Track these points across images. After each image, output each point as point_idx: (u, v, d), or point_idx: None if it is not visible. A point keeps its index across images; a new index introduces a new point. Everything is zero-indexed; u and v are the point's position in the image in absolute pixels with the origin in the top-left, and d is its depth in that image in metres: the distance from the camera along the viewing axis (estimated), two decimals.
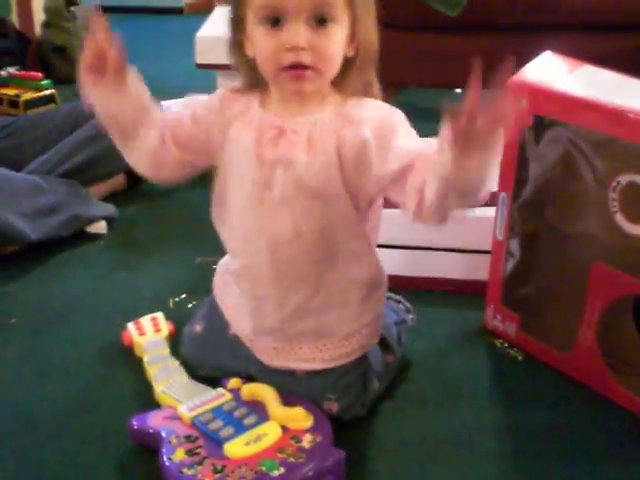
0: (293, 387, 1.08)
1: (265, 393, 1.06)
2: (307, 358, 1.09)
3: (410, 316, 1.28)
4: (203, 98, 1.08)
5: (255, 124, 1.01)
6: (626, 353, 1.19)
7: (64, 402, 1.16)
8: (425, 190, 0.91)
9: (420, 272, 1.46)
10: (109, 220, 1.77)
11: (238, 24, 0.99)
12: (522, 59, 1.24)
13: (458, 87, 2.01)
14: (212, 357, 1.17)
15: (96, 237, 1.73)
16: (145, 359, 1.21)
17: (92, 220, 1.74)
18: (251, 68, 1.00)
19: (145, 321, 1.30)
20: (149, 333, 1.27)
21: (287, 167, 0.99)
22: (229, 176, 1.06)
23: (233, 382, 1.11)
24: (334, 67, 0.97)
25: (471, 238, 1.43)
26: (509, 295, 1.30)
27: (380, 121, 0.98)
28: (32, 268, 1.59)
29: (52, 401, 1.16)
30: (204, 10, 4.11)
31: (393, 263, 1.43)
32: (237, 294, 1.13)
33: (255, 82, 1.02)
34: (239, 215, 1.06)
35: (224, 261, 1.20)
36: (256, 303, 1.09)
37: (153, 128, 1.04)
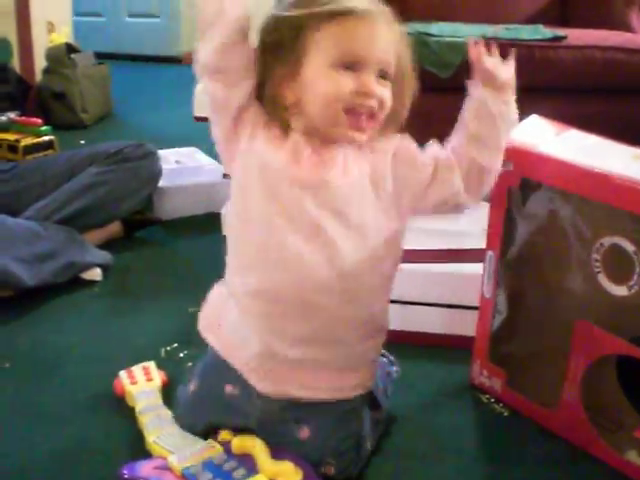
0: (295, 447, 1.08)
1: (255, 446, 1.07)
2: (308, 385, 1.08)
3: (394, 368, 1.28)
4: None
5: (289, 145, 1.04)
6: (610, 410, 1.21)
7: (55, 450, 1.16)
8: (466, 152, 1.07)
9: (408, 326, 1.48)
10: (104, 267, 1.79)
11: (277, 70, 1.03)
12: None
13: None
14: (206, 415, 1.14)
15: (91, 284, 1.75)
16: (137, 408, 1.21)
17: (87, 267, 1.76)
18: (281, 114, 1.05)
19: (137, 370, 1.30)
20: (141, 382, 1.27)
21: (325, 191, 1.03)
22: (252, 191, 1.05)
23: (223, 434, 1.11)
24: (384, 114, 1.05)
25: (458, 294, 1.45)
26: (495, 351, 1.32)
27: (398, 147, 1.08)
28: (26, 313, 1.60)
29: (43, 449, 1.16)
30: None
31: None
32: (240, 318, 1.10)
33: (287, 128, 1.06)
34: (264, 233, 1.05)
35: (217, 292, 1.18)
36: (267, 324, 1.07)
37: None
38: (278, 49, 1.03)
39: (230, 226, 1.11)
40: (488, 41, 1.07)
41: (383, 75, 1.03)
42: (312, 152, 1.04)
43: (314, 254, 1.02)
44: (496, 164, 1.09)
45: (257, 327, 1.08)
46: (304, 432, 1.08)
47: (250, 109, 1.05)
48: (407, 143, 1.10)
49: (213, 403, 1.15)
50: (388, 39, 1.03)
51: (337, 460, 1.08)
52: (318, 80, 1.01)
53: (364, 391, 1.14)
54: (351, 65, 1.00)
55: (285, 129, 1.05)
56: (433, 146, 1.11)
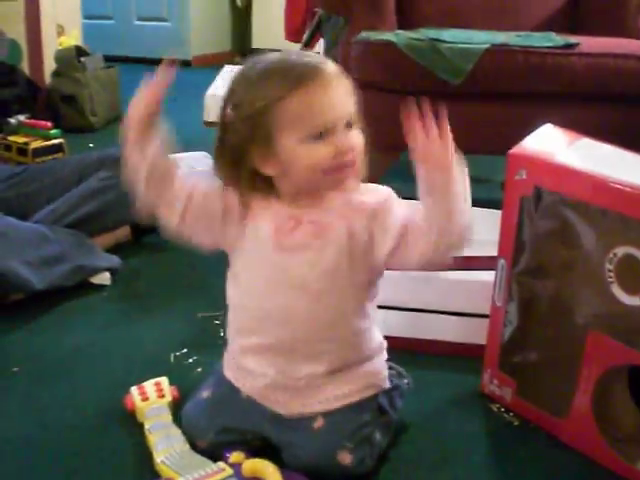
0: (310, 439, 1.11)
1: (266, 469, 1.05)
2: (323, 400, 1.13)
3: (405, 380, 1.28)
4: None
5: (273, 217, 1.10)
6: (620, 421, 1.20)
7: (59, 460, 1.15)
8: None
9: (418, 334, 1.48)
10: (113, 271, 1.79)
11: (249, 152, 1.05)
12: (524, 128, 1.29)
13: (461, 152, 2.05)
14: (219, 419, 1.15)
15: (99, 288, 1.75)
16: (147, 426, 1.19)
17: (96, 271, 1.76)
18: (263, 183, 1.09)
19: (149, 386, 1.28)
20: (152, 398, 1.25)
21: (303, 251, 1.08)
22: (245, 261, 1.13)
23: (235, 456, 1.09)
24: (360, 160, 1.08)
25: (469, 302, 1.45)
26: (506, 360, 1.32)
27: (380, 205, 1.09)
28: (35, 317, 1.60)
29: (46, 459, 1.16)
30: (212, 63, 4.18)
31: (392, 324, 1.45)
32: (248, 361, 1.16)
33: (253, 192, 1.10)
34: (257, 296, 1.13)
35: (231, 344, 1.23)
36: (276, 369, 1.14)
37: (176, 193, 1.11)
38: (248, 136, 1.05)
39: (229, 290, 1.18)
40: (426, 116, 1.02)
41: (349, 124, 1.05)
42: (294, 222, 1.09)
43: (299, 306, 1.10)
44: (458, 229, 1.06)
45: (266, 372, 1.14)
46: (319, 422, 1.12)
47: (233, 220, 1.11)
48: (387, 205, 1.10)
49: (227, 407, 1.16)
50: (346, 93, 1.06)
51: (354, 446, 1.09)
52: (295, 156, 1.04)
53: (378, 390, 1.18)
54: (322, 133, 1.03)
55: (268, 195, 1.10)
56: (406, 205, 1.10)
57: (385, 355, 1.22)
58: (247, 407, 1.15)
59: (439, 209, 1.03)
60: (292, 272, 1.09)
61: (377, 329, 1.20)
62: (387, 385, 1.20)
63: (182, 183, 1.11)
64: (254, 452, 1.11)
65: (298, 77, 1.02)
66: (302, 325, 1.11)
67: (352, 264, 1.09)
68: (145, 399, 1.25)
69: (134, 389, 1.27)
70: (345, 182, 1.07)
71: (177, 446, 1.13)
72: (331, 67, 1.05)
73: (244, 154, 1.06)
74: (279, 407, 1.14)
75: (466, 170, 1.06)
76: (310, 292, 1.09)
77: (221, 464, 1.07)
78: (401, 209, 1.09)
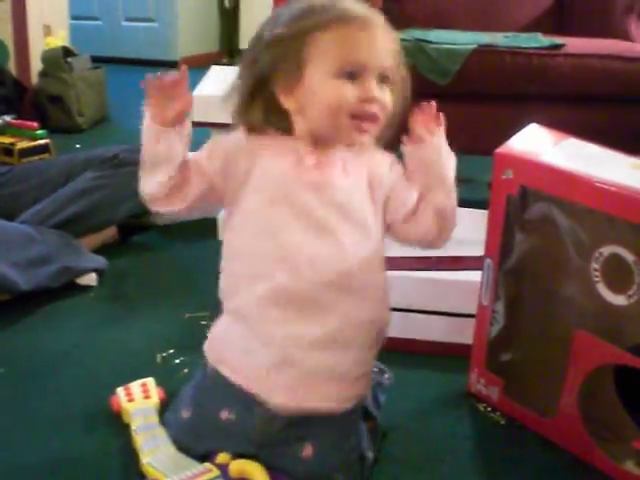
0: (298, 467, 1.06)
1: (253, 470, 1.04)
2: (321, 396, 1.07)
3: (386, 376, 1.26)
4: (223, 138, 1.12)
5: (290, 152, 1.07)
6: (607, 420, 1.21)
7: (46, 462, 1.14)
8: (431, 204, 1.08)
9: (405, 334, 1.47)
10: (99, 272, 1.78)
11: (273, 80, 1.04)
12: (511, 128, 1.29)
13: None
14: (202, 443, 1.11)
15: (86, 289, 1.74)
16: (133, 427, 1.17)
17: (83, 272, 1.75)
18: (278, 117, 1.07)
19: (135, 387, 1.27)
20: (138, 399, 1.24)
21: (329, 190, 1.06)
22: (256, 203, 1.08)
23: (221, 457, 1.07)
24: (384, 119, 1.07)
25: (456, 301, 1.45)
26: (493, 360, 1.32)
27: (395, 164, 1.11)
28: (21, 318, 1.59)
29: (33, 460, 1.14)
30: (199, 64, 4.17)
31: None
32: (247, 338, 1.09)
33: (270, 129, 1.08)
34: (273, 238, 1.06)
35: (219, 324, 1.17)
36: (283, 330, 1.06)
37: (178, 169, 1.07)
38: (278, 61, 1.03)
39: (234, 239, 1.11)
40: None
41: (384, 80, 1.04)
42: (313, 156, 1.07)
43: (324, 251, 1.05)
44: (453, 200, 1.09)
45: (272, 336, 1.07)
46: (307, 450, 1.07)
47: (238, 167, 1.08)
48: (399, 166, 1.11)
49: (209, 429, 1.11)
50: (387, 44, 1.05)
51: (344, 475, 1.07)
52: (321, 90, 1.02)
53: (361, 400, 1.14)
54: (353, 73, 1.01)
55: (283, 132, 1.07)
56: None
57: (377, 352, 1.17)
58: (229, 429, 1.09)
59: (436, 189, 1.06)
60: (314, 212, 1.05)
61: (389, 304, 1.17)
62: (367, 402, 1.17)
63: (195, 172, 1.08)
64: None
65: (342, 13, 1.02)
66: (317, 268, 1.05)
67: (376, 211, 1.09)
68: (131, 400, 1.24)
69: (120, 390, 1.26)
70: (362, 136, 1.05)
71: (163, 447, 1.12)
72: (380, 19, 1.05)
73: (267, 82, 1.04)
74: (276, 395, 1.06)
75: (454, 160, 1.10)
76: (333, 234, 1.06)
77: (207, 465, 1.06)
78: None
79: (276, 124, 1.07)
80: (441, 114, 1.07)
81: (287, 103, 1.05)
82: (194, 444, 1.11)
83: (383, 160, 1.11)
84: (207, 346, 1.18)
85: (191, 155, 1.09)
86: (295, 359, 1.06)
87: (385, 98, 1.04)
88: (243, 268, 1.10)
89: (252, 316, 1.08)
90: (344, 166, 1.08)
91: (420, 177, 1.08)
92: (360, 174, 1.08)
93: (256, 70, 1.05)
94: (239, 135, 1.09)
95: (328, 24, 1.01)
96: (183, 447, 1.12)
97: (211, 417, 1.11)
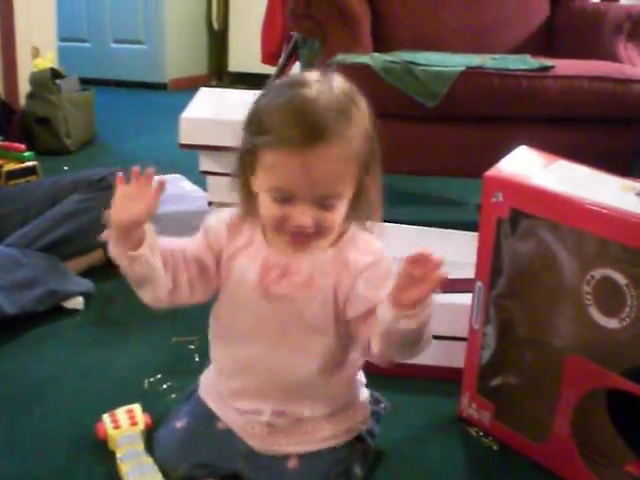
0: (283, 478, 1.09)
1: None
2: (302, 441, 1.11)
3: (382, 405, 1.27)
4: (210, 223, 1.11)
5: (260, 260, 1.06)
6: (600, 444, 1.19)
7: None
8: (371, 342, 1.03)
9: None
10: (86, 296, 1.76)
11: (247, 163, 1.02)
12: (500, 150, 1.28)
13: (437, 174, 2.05)
14: (194, 453, 1.13)
15: (72, 312, 1.72)
16: (118, 455, 1.16)
17: (69, 295, 1.73)
18: (253, 202, 1.05)
19: (121, 413, 1.25)
20: (124, 426, 1.22)
21: (290, 302, 1.05)
22: (230, 305, 1.11)
23: None
24: (335, 230, 1.03)
25: (447, 325, 1.43)
26: (484, 384, 1.31)
27: (370, 270, 1.04)
28: (6, 342, 1.57)
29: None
30: (188, 86, 4.17)
31: None
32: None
33: (254, 213, 1.06)
34: (240, 341, 1.10)
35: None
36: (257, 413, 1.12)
37: (165, 276, 1.07)
38: (243, 159, 1.03)
39: (215, 315, 1.15)
40: None
41: (324, 203, 0.98)
42: (281, 270, 1.06)
43: (281, 363, 1.08)
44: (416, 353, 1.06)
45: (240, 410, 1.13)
46: (292, 462, 1.09)
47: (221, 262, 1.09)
48: (378, 272, 1.04)
49: (203, 441, 1.14)
50: (326, 168, 0.96)
51: None
52: (261, 200, 1.02)
53: (357, 433, 1.16)
54: (281, 198, 0.98)
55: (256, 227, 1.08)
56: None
57: (365, 393, 1.21)
58: (222, 442, 1.13)
59: (400, 348, 1.02)
60: (276, 321, 1.07)
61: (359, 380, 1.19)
62: (365, 426, 1.18)
63: (171, 257, 1.07)
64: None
65: (290, 138, 0.94)
66: (285, 374, 1.08)
67: (338, 318, 1.06)
68: (117, 427, 1.22)
69: (106, 416, 1.25)
70: (302, 248, 1.03)
71: (149, 476, 1.10)
72: (338, 135, 0.95)
73: (244, 172, 1.04)
74: (255, 441, 1.12)
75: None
76: (294, 343, 1.07)
77: None
78: (384, 290, 0.99)
79: (256, 214, 1.06)
80: (443, 272, 0.92)
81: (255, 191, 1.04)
82: (185, 457, 1.13)
83: (356, 267, 1.04)
84: (203, 376, 1.23)
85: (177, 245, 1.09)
86: (273, 422, 1.11)
87: (324, 218, 0.99)
88: (217, 360, 1.17)
89: (221, 387, 1.16)
90: (310, 276, 1.05)
91: (391, 339, 0.99)
92: (326, 284, 1.05)
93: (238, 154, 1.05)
94: (222, 230, 1.09)
95: (270, 143, 0.96)
96: (173, 460, 1.13)
97: (206, 427, 1.15)
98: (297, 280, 1.05)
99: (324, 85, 0.98)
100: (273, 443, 1.11)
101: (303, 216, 0.98)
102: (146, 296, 1.08)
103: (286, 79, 1.04)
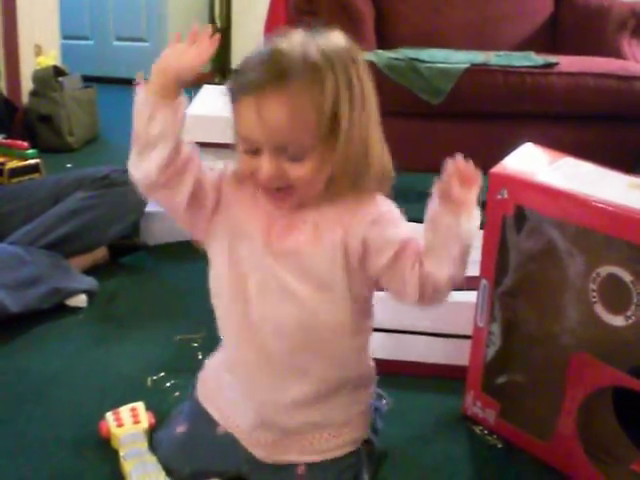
0: None
1: None
2: (305, 450, 1.09)
3: (384, 401, 1.26)
4: (221, 169, 1.07)
5: (263, 212, 1.02)
6: (606, 442, 1.19)
7: None
8: (424, 266, 0.99)
9: (399, 356, 1.46)
10: (90, 293, 1.76)
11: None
12: (505, 147, 1.28)
13: (437, 171, 2.04)
14: (196, 460, 1.12)
15: (76, 310, 1.71)
16: (121, 453, 1.15)
17: (72, 293, 1.73)
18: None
19: (124, 412, 1.24)
20: (127, 424, 1.21)
21: (296, 258, 1.01)
22: (229, 260, 1.05)
23: None
24: (310, 186, 0.98)
25: (452, 322, 1.43)
26: (489, 382, 1.30)
27: (380, 215, 1.01)
28: (10, 340, 1.57)
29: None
30: (191, 84, 4.17)
31: (372, 346, 1.43)
32: (234, 389, 1.12)
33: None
34: (238, 305, 1.05)
35: (214, 359, 1.19)
36: (261, 394, 1.08)
37: (178, 150, 1.01)
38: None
39: (213, 285, 1.10)
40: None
41: (289, 153, 0.95)
42: (284, 218, 1.02)
43: (289, 318, 1.02)
44: (451, 275, 1.00)
45: (252, 397, 1.09)
46: (301, 469, 1.08)
47: (207, 186, 1.03)
48: (387, 217, 1.02)
49: (204, 446, 1.12)
50: (281, 114, 0.92)
51: None
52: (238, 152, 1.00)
53: (360, 443, 1.14)
54: (249, 149, 0.96)
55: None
56: (411, 228, 1.04)
57: (373, 389, 1.18)
58: (225, 446, 1.11)
59: (440, 247, 0.99)
60: (282, 280, 1.02)
61: (369, 353, 1.14)
62: (369, 434, 1.16)
63: (194, 165, 1.02)
64: None
65: (248, 84, 0.93)
66: (291, 337, 1.03)
67: (348, 276, 1.01)
68: (120, 425, 1.21)
69: (109, 415, 1.24)
70: (282, 205, 1.00)
71: (153, 474, 1.10)
72: (297, 84, 0.91)
73: None
74: (258, 450, 1.10)
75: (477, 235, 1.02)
76: (301, 302, 1.01)
77: None
78: (402, 228, 1.02)
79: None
80: (477, 172, 0.99)
81: None
82: (187, 462, 1.11)
83: (364, 218, 1.00)
84: (200, 380, 1.20)
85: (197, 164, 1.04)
86: (275, 421, 1.08)
87: (288, 172, 0.95)
88: (222, 326, 1.11)
89: (236, 372, 1.11)
90: (316, 229, 1.01)
91: (427, 234, 1.00)
92: (333, 238, 1.00)
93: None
94: (229, 177, 1.06)
95: (234, 92, 0.96)
96: (175, 466, 1.11)
97: (207, 433, 1.12)
98: (302, 236, 1.01)
99: (303, 41, 0.95)
100: (278, 453, 1.09)
101: (264, 168, 0.95)
102: (146, 162, 1.00)
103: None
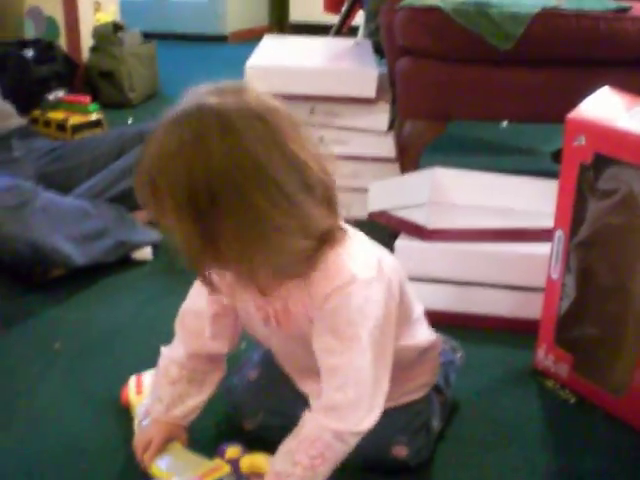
0: None
1: (266, 464, 0.98)
2: None
3: (458, 355, 1.24)
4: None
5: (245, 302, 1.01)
6: None
7: (104, 437, 1.14)
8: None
9: (469, 308, 1.44)
10: (154, 246, 1.77)
11: None
12: (579, 94, 1.23)
13: (506, 119, 1.98)
14: (269, 401, 1.12)
15: (141, 263, 1.73)
16: (136, 421, 1.11)
17: (138, 246, 1.74)
18: None
19: (147, 377, 1.18)
20: (147, 392, 1.15)
21: (287, 332, 0.99)
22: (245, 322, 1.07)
23: (231, 451, 1.03)
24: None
25: (522, 275, 1.40)
26: (562, 335, 1.27)
27: (332, 299, 0.90)
28: (77, 293, 1.59)
29: (91, 436, 1.14)
30: (249, 38, 4.14)
31: (441, 299, 1.41)
32: None
33: None
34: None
35: None
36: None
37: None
38: None
39: None
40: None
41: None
42: (261, 311, 0.99)
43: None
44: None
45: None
46: None
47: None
48: (340, 300, 0.90)
49: (277, 388, 1.12)
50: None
51: (409, 438, 1.05)
52: None
53: (429, 388, 1.12)
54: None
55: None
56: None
57: (438, 348, 1.15)
58: (296, 390, 1.10)
59: None
60: (286, 344, 1.03)
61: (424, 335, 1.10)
62: (437, 380, 1.14)
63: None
64: (250, 445, 1.06)
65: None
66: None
67: None
68: (140, 392, 1.16)
69: (132, 379, 1.20)
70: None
71: (170, 445, 1.05)
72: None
73: None
74: None
75: None
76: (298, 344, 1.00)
77: (218, 461, 1.02)
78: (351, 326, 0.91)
79: None
80: None
81: None
82: (262, 401, 1.12)
83: (317, 291, 0.91)
84: None
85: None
86: None
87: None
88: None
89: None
90: (286, 306, 0.95)
91: None
92: (300, 311, 0.94)
93: None
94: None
95: None
96: (247, 410, 1.12)
97: (280, 375, 1.12)
98: (275, 322, 0.98)
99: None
100: None
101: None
102: None
103: None
